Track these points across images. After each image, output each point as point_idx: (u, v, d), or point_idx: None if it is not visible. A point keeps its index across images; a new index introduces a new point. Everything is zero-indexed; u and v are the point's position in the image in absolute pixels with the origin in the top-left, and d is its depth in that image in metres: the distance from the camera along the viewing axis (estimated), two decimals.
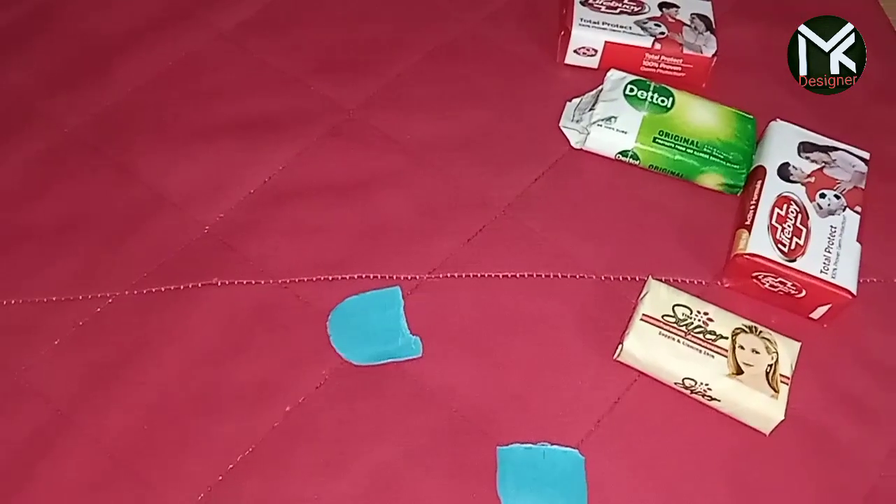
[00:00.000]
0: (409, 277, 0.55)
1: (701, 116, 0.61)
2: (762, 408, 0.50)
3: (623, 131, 0.60)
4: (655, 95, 0.61)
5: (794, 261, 0.54)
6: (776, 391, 0.50)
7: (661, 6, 0.66)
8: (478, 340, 0.53)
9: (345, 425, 0.50)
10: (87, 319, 0.53)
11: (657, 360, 0.51)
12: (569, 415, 0.51)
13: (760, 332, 0.52)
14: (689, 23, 0.66)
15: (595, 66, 0.66)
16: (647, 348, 0.51)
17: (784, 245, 0.54)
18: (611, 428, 0.50)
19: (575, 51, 0.65)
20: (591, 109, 0.62)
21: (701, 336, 0.51)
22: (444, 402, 0.51)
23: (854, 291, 0.53)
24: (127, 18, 0.67)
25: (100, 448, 0.48)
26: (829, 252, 0.55)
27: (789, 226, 0.55)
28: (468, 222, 0.58)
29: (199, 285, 0.54)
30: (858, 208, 0.57)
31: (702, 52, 0.64)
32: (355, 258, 0.56)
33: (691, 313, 0.52)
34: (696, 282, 0.57)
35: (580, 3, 0.65)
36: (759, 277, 0.55)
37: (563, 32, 0.66)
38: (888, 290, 0.58)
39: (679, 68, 0.65)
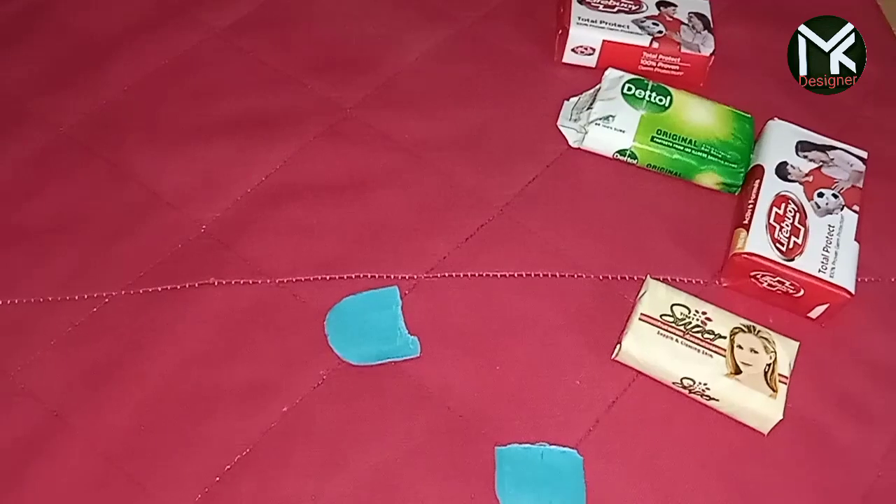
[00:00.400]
0: (407, 277, 0.55)
1: (699, 115, 0.61)
2: (760, 407, 0.50)
3: (621, 130, 0.60)
4: (653, 94, 0.61)
5: (792, 260, 0.54)
6: (774, 391, 0.50)
7: (658, 5, 0.66)
8: (476, 340, 0.53)
9: (342, 425, 0.49)
10: (83, 320, 0.52)
11: (655, 359, 0.51)
12: (567, 414, 0.50)
13: (759, 331, 0.52)
14: (686, 22, 0.65)
15: (593, 64, 0.66)
16: (646, 348, 0.51)
17: (782, 244, 0.54)
18: (609, 428, 0.50)
19: (573, 50, 0.65)
20: (588, 108, 0.61)
21: (699, 335, 0.51)
22: (442, 402, 0.50)
23: (852, 290, 0.53)
24: (121, 17, 0.67)
25: (95, 449, 0.48)
26: (827, 251, 0.55)
27: (787, 225, 0.55)
28: (466, 222, 0.58)
29: (196, 285, 0.54)
30: (856, 207, 0.57)
31: (700, 51, 0.64)
32: (352, 258, 0.55)
33: (689, 313, 0.52)
34: (694, 281, 0.57)
35: (578, 1, 0.65)
36: (758, 277, 0.55)
37: (560, 31, 0.66)
38: (886, 289, 0.58)
39: (677, 67, 0.65)
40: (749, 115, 0.61)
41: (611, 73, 0.63)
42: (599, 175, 0.61)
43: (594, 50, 0.65)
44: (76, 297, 0.53)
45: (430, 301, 0.54)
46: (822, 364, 0.54)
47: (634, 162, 0.61)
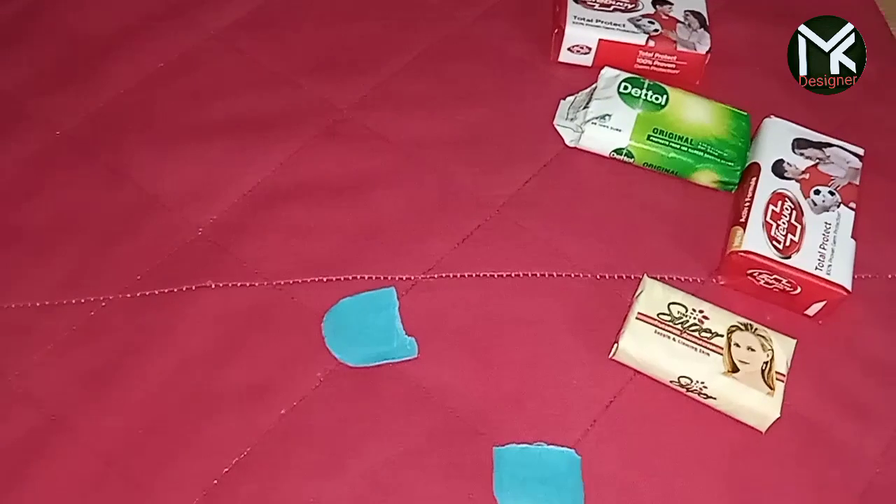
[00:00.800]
0: (404, 278, 0.55)
1: (695, 114, 0.61)
2: (758, 405, 0.50)
3: (617, 129, 0.60)
4: (649, 93, 0.61)
5: (788, 258, 0.54)
6: (772, 389, 0.50)
7: (654, 3, 0.66)
8: (473, 340, 0.53)
9: (341, 427, 0.49)
10: (81, 323, 0.52)
11: (653, 358, 0.51)
12: (565, 414, 0.51)
13: (756, 329, 0.52)
14: (682, 20, 0.65)
15: (589, 63, 0.66)
16: (643, 347, 0.51)
17: (779, 242, 0.54)
18: (607, 427, 0.50)
19: (569, 49, 0.65)
20: (585, 107, 0.61)
21: (696, 334, 0.51)
22: (440, 402, 0.50)
23: (849, 288, 0.53)
24: (119, 18, 0.67)
25: (94, 452, 0.48)
26: (823, 248, 0.55)
27: (784, 223, 0.55)
28: (463, 222, 0.58)
29: (193, 288, 0.54)
30: (853, 204, 0.57)
31: (696, 50, 0.64)
32: (350, 259, 0.55)
33: (687, 311, 0.52)
34: (691, 279, 0.57)
35: (573, 0, 0.65)
36: (755, 274, 0.55)
37: (556, 30, 0.66)
38: (883, 286, 0.58)
39: (673, 65, 0.65)
40: (745, 113, 0.61)
41: (607, 72, 0.63)
42: (596, 174, 0.61)
43: (590, 49, 0.65)
44: (74, 301, 0.53)
45: (428, 302, 0.54)
46: (820, 361, 0.54)
47: (631, 161, 0.61)
